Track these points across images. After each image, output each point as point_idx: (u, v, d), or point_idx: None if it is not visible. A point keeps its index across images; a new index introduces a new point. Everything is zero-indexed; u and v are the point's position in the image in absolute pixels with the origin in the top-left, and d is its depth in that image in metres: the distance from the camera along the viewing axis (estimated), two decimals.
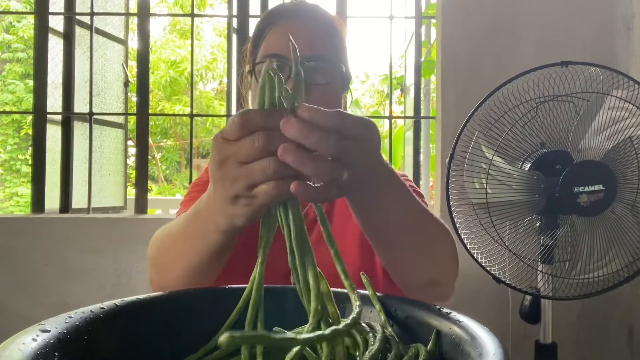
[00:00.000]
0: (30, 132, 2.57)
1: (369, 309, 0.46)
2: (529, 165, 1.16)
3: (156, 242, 0.67)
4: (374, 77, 11.50)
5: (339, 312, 0.41)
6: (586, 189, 1.10)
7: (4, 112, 9.82)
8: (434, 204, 2.00)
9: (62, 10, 2.20)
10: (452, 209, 1.19)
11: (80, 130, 2.27)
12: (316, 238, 0.74)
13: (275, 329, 0.44)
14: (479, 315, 0.41)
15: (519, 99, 1.14)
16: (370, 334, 0.41)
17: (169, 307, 0.46)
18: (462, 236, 1.19)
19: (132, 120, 2.50)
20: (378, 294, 0.47)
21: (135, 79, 2.33)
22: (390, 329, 0.43)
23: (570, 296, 1.19)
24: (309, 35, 0.79)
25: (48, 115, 2.14)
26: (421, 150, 2.55)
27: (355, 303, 0.40)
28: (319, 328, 0.40)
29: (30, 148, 2.44)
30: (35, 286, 1.88)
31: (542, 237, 1.18)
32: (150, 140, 3.29)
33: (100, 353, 0.39)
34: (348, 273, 0.42)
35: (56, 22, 2.21)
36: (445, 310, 0.42)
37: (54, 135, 2.20)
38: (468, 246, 1.19)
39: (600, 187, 1.11)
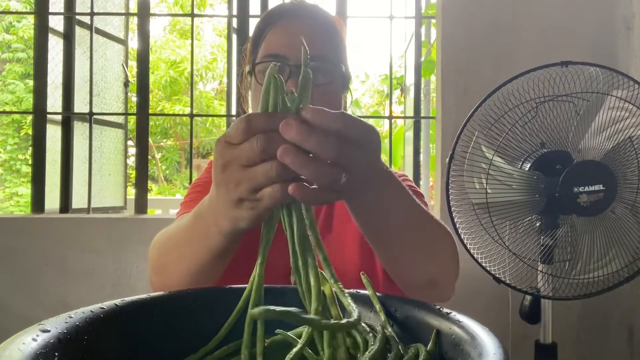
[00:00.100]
0: (30, 132, 2.57)
1: (368, 308, 0.46)
2: (529, 165, 1.16)
3: (157, 244, 0.67)
4: (374, 77, 11.51)
5: (341, 314, 0.41)
6: (586, 189, 1.10)
7: (4, 112, 9.82)
8: (434, 204, 2.00)
9: (62, 10, 2.20)
10: (452, 209, 1.19)
11: (80, 130, 2.27)
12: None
13: (277, 331, 0.44)
14: (479, 315, 0.41)
15: (519, 99, 1.14)
16: (370, 334, 0.41)
17: (169, 307, 0.46)
18: (462, 236, 1.19)
19: (132, 120, 2.50)
20: (378, 294, 0.47)
21: (135, 79, 2.33)
22: (390, 329, 0.43)
23: (570, 296, 1.19)
24: (309, 35, 0.79)
25: (48, 115, 2.14)
26: (421, 150, 2.55)
27: (349, 306, 0.40)
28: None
29: (30, 148, 2.44)
30: (35, 286, 1.88)
31: (542, 237, 1.18)
32: (150, 140, 3.29)
33: (100, 353, 0.39)
34: (337, 277, 0.43)
35: (56, 22, 2.21)
36: (445, 310, 0.42)
37: (54, 135, 2.21)
38: (468, 246, 1.19)
39: (600, 187, 1.11)
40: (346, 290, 0.47)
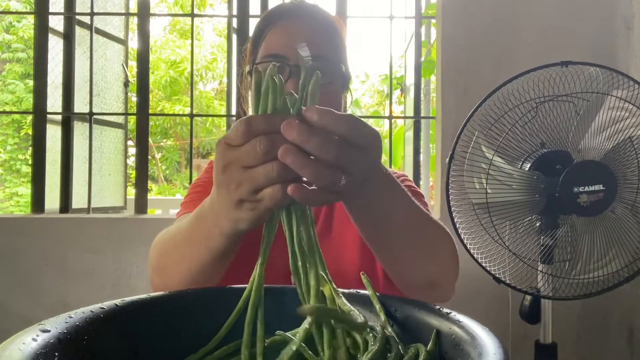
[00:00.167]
0: (30, 132, 2.57)
1: (368, 309, 0.46)
2: (529, 165, 1.16)
3: (158, 245, 0.67)
4: (374, 77, 11.50)
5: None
6: (586, 189, 1.10)
7: (4, 112, 9.82)
8: (434, 204, 2.00)
9: (62, 10, 2.20)
10: (452, 209, 1.19)
11: (80, 130, 2.27)
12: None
13: (277, 332, 0.44)
14: (479, 315, 0.41)
15: (519, 99, 1.14)
16: (370, 335, 0.41)
17: (169, 307, 0.46)
18: (462, 236, 1.19)
19: (132, 120, 2.50)
20: (378, 294, 0.47)
21: (135, 79, 2.33)
22: (390, 329, 0.43)
23: (570, 296, 1.19)
24: (309, 35, 0.79)
25: (48, 115, 2.14)
26: (421, 150, 2.55)
27: (346, 306, 0.40)
28: (318, 327, 0.40)
29: (30, 148, 2.44)
30: (35, 286, 1.88)
31: (542, 237, 1.18)
32: (150, 140, 3.29)
33: (100, 353, 0.39)
34: (331, 278, 0.43)
35: (56, 22, 2.21)
36: (445, 310, 0.42)
37: (54, 135, 2.20)
38: (468, 246, 1.19)
39: (600, 187, 1.11)
40: (346, 291, 0.47)
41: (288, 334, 0.43)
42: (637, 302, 1.76)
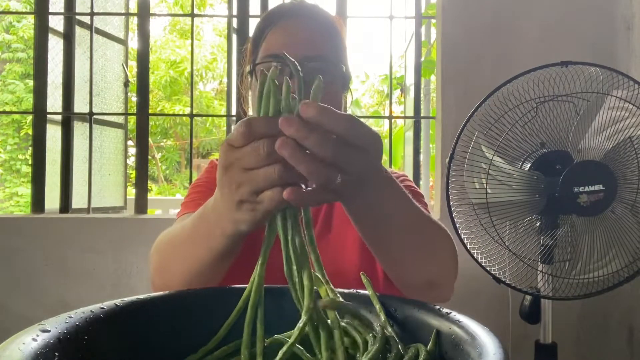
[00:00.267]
0: (30, 132, 2.57)
1: (368, 309, 0.46)
2: (529, 165, 1.16)
3: (159, 245, 0.67)
4: (374, 77, 11.50)
5: (339, 317, 0.41)
6: (586, 189, 1.10)
7: (4, 112, 9.82)
8: (434, 204, 2.00)
9: (62, 10, 2.20)
10: (452, 209, 1.19)
11: (80, 130, 2.27)
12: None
13: (276, 336, 0.44)
14: (479, 315, 0.41)
15: (519, 99, 1.14)
16: (370, 334, 0.41)
17: (169, 307, 0.46)
18: (462, 236, 1.19)
19: (132, 120, 2.50)
20: (378, 294, 0.47)
21: (135, 79, 2.33)
22: (390, 329, 0.43)
23: (570, 296, 1.19)
24: (310, 35, 0.79)
25: (48, 115, 2.14)
26: (421, 150, 2.55)
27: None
28: (312, 325, 0.40)
29: (30, 148, 2.44)
30: (35, 286, 1.88)
31: (542, 237, 1.18)
32: (150, 140, 3.29)
33: (100, 353, 0.39)
34: (328, 278, 0.43)
35: (56, 22, 2.21)
36: (445, 310, 0.42)
37: (54, 135, 2.20)
38: (468, 246, 1.19)
39: (600, 187, 1.11)
40: (346, 291, 0.47)
41: (284, 335, 0.44)
42: (637, 302, 1.76)
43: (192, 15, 2.38)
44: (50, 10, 2.14)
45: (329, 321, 0.41)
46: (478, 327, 0.38)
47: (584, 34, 1.84)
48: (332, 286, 0.43)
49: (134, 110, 2.24)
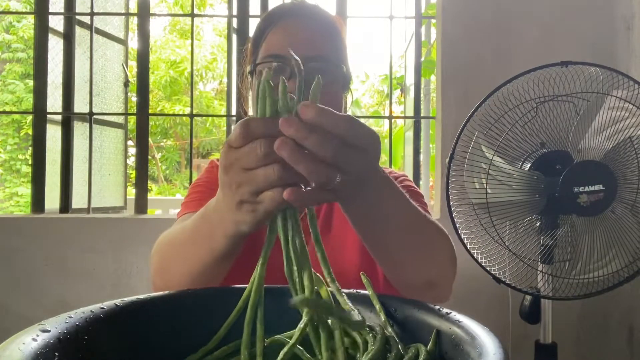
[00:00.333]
0: (30, 132, 2.57)
1: (368, 309, 0.46)
2: (529, 165, 1.16)
3: (160, 245, 0.67)
4: (374, 77, 11.50)
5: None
6: (586, 189, 1.10)
7: (4, 112, 9.81)
8: (434, 204, 2.00)
9: (62, 10, 2.20)
10: (452, 209, 1.19)
11: (80, 130, 2.27)
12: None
13: (276, 336, 0.44)
14: (479, 315, 0.41)
15: (519, 99, 1.14)
16: (370, 335, 0.41)
17: (169, 307, 0.46)
18: (462, 236, 1.19)
19: (132, 120, 2.50)
20: (378, 294, 0.47)
21: (135, 79, 2.33)
22: (390, 329, 0.43)
23: (570, 296, 1.19)
24: (310, 35, 0.79)
25: (48, 115, 2.14)
26: (421, 150, 2.55)
27: (347, 305, 0.40)
28: (312, 325, 0.40)
29: (30, 148, 2.44)
30: (35, 286, 1.88)
31: (542, 237, 1.18)
32: (150, 140, 3.29)
33: (100, 353, 0.39)
34: (341, 271, 0.43)
35: (56, 22, 2.21)
36: (445, 310, 0.42)
37: (54, 135, 2.20)
38: (468, 246, 1.19)
39: (600, 187, 1.11)
40: (345, 291, 0.47)
41: (284, 335, 0.44)
42: (637, 302, 1.76)
43: (192, 15, 2.38)
44: (50, 10, 2.14)
45: (329, 321, 0.41)
46: (478, 327, 0.38)
47: (584, 34, 1.84)
48: (338, 284, 0.43)
49: (134, 110, 2.24)
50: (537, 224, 1.19)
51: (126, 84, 2.50)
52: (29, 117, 5.10)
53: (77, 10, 2.20)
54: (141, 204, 2.11)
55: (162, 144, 11.93)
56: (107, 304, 0.42)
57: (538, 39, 1.84)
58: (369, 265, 0.78)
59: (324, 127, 0.41)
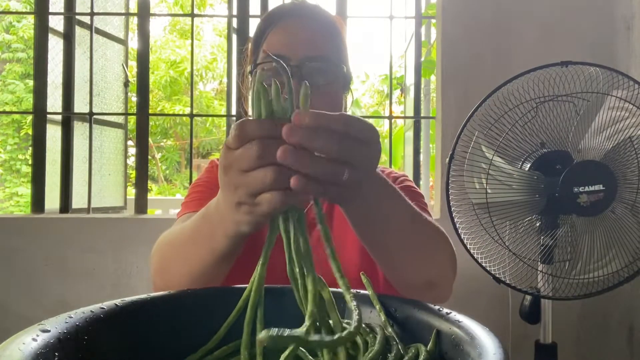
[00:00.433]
0: (30, 132, 2.57)
1: (368, 309, 0.46)
2: (529, 165, 1.16)
3: (160, 245, 0.67)
4: (374, 77, 11.49)
5: (341, 320, 0.41)
6: (586, 189, 1.10)
7: (4, 112, 9.81)
8: (434, 204, 2.00)
9: (62, 10, 2.20)
10: (452, 209, 1.19)
11: (80, 130, 2.27)
12: (315, 241, 0.74)
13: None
14: (479, 315, 0.41)
15: (519, 99, 1.14)
16: (370, 335, 0.41)
17: (169, 307, 0.46)
18: (462, 236, 1.19)
19: (132, 120, 2.50)
20: (378, 294, 0.47)
21: (135, 79, 2.33)
22: (390, 329, 0.43)
23: (570, 296, 1.19)
24: (310, 35, 0.79)
25: (48, 115, 2.14)
26: (421, 150, 2.55)
27: (352, 303, 0.40)
28: (315, 330, 0.40)
29: (30, 148, 2.44)
30: (35, 286, 1.88)
31: (542, 237, 1.18)
32: (150, 140, 3.29)
33: (100, 353, 0.39)
34: (343, 272, 0.42)
35: (56, 22, 2.21)
36: (445, 310, 0.42)
37: (54, 135, 2.20)
38: (468, 246, 1.19)
39: (600, 187, 1.11)
40: None
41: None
42: (637, 302, 1.76)
43: (192, 15, 2.38)
44: (50, 10, 2.14)
45: (330, 321, 0.41)
46: (478, 327, 0.38)
47: (583, 34, 1.84)
48: (346, 280, 0.42)
49: (134, 110, 2.24)
50: (537, 224, 1.19)
51: (126, 84, 2.50)
52: (29, 117, 5.10)
53: (77, 10, 2.20)
54: (141, 204, 2.11)
55: (162, 144, 11.93)
56: (107, 304, 0.42)
57: (538, 39, 1.84)
58: (369, 266, 0.78)
59: (324, 128, 0.41)
